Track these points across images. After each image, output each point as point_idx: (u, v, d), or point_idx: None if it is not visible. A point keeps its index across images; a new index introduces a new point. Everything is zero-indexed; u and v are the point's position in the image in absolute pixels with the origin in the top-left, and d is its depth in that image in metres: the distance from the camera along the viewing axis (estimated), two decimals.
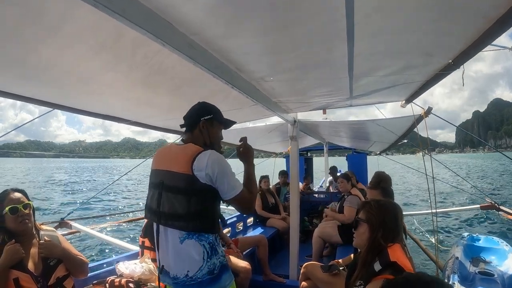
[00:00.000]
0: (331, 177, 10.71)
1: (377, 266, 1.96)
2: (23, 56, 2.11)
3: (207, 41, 2.06)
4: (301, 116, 4.93)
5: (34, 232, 2.42)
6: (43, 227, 2.56)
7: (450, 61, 2.45)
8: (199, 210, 2.00)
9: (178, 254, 2.04)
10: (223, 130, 2.40)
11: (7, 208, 2.26)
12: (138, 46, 2.14)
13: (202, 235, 2.03)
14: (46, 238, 2.41)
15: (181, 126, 2.32)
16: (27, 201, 2.37)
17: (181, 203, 2.00)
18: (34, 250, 2.33)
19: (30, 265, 2.25)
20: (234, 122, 2.43)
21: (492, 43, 2.16)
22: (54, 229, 2.64)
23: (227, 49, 2.22)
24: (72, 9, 1.65)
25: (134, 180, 41.31)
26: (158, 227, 2.13)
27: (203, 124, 2.22)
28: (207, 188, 2.00)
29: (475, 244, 4.69)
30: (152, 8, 1.63)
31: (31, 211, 2.40)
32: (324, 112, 5.27)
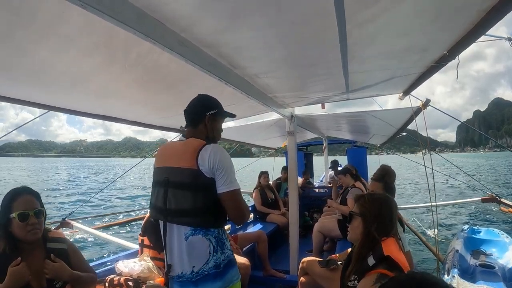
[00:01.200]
0: (332, 172, 10.67)
1: (370, 261, 1.95)
2: (16, 59, 2.12)
3: (198, 37, 2.05)
4: (299, 110, 4.90)
5: (41, 240, 2.12)
6: (53, 231, 2.26)
7: (446, 52, 2.44)
8: (207, 205, 1.98)
9: (184, 251, 2.02)
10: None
11: (15, 214, 1.96)
12: (131, 45, 2.13)
13: (209, 230, 2.01)
14: (53, 257, 2.09)
15: (186, 122, 2.27)
16: (39, 207, 2.07)
17: (187, 198, 1.99)
18: (38, 263, 2.04)
19: (33, 281, 1.98)
20: (234, 115, 2.41)
21: (489, 33, 2.15)
22: (63, 236, 2.31)
23: (219, 45, 2.21)
24: (63, 11, 1.64)
25: (135, 179, 41.35)
26: (165, 225, 2.09)
27: (209, 118, 2.20)
28: (211, 182, 1.98)
29: (475, 236, 4.68)
30: (141, 6, 1.63)
31: (43, 219, 2.10)
32: (323, 107, 5.25)
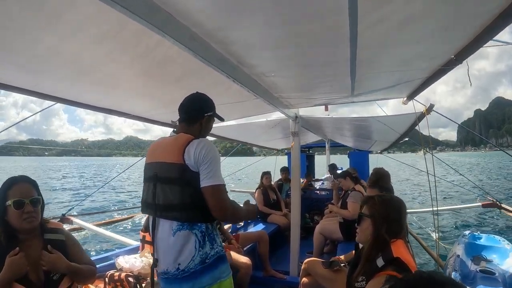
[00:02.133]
0: (329, 175, 10.67)
1: (380, 262, 1.95)
2: (23, 46, 2.09)
3: (208, 33, 2.04)
4: (303, 112, 4.91)
5: (38, 230, 2.07)
6: (51, 222, 2.21)
7: (453, 56, 2.43)
8: (193, 199, 1.98)
9: (169, 246, 2.02)
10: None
11: (11, 201, 1.91)
12: (140, 36, 2.12)
13: (195, 224, 2.01)
14: (50, 248, 2.02)
15: (180, 118, 2.30)
16: (36, 195, 2.02)
17: (174, 193, 2.00)
18: (35, 254, 1.97)
19: (30, 272, 1.93)
20: (222, 119, 2.45)
21: (496, 38, 2.15)
22: (61, 227, 2.25)
23: (228, 42, 2.20)
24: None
25: (134, 177, 41.29)
26: (155, 220, 2.12)
27: (206, 119, 2.25)
28: (197, 176, 1.99)
29: (476, 242, 4.67)
30: None
31: (40, 207, 2.05)
32: (326, 109, 5.25)
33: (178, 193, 1.99)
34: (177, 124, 2.32)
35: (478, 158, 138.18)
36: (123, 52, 2.34)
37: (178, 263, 1.99)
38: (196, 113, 2.24)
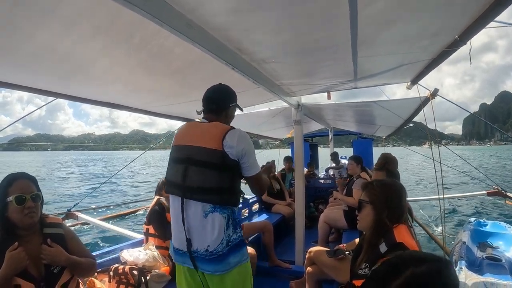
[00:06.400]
0: (333, 164, 10.64)
1: (383, 248, 1.92)
2: (18, 43, 2.08)
3: (205, 19, 2.00)
4: (305, 99, 4.86)
5: (38, 225, 2.11)
6: (50, 217, 2.24)
7: (457, 36, 2.38)
8: (229, 184, 2.11)
9: (201, 228, 2.09)
10: None
11: (13, 197, 1.95)
12: (135, 28, 2.09)
13: (225, 208, 2.10)
14: (49, 242, 2.06)
15: (207, 108, 2.35)
16: (36, 191, 2.06)
17: (212, 177, 2.08)
18: (35, 249, 2.01)
19: (31, 267, 1.97)
20: (241, 109, 2.57)
21: (501, 20, 2.10)
22: (60, 222, 2.28)
23: (226, 28, 2.16)
24: None
25: (139, 171, 41.51)
26: (183, 201, 2.15)
27: (231, 109, 2.37)
28: (235, 164, 2.10)
29: (482, 229, 4.65)
30: None
31: (40, 203, 2.09)
32: (329, 97, 5.20)
33: (216, 177, 2.08)
34: (202, 113, 2.38)
35: (484, 151, 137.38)
36: (118, 45, 2.32)
37: (208, 244, 2.06)
38: (223, 104, 2.33)
